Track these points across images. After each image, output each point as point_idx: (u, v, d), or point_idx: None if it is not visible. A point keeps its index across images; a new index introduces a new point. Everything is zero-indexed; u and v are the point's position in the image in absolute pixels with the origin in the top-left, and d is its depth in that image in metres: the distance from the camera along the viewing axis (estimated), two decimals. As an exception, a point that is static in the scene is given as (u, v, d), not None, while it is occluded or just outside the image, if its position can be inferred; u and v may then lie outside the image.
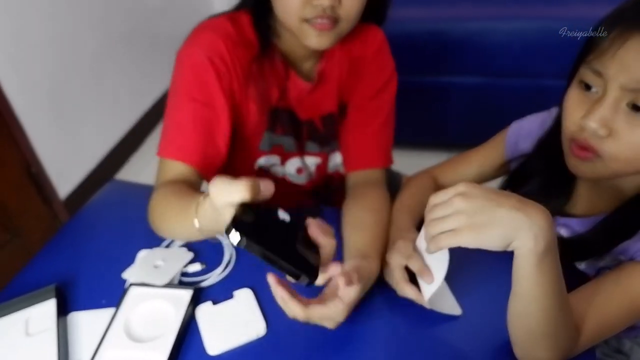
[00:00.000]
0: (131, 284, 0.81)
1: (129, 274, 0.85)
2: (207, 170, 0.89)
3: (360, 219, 0.88)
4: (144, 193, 1.04)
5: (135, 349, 0.72)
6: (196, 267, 0.86)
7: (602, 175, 0.70)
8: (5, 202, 1.79)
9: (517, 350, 0.69)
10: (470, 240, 0.57)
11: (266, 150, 0.98)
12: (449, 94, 2.06)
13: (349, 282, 0.68)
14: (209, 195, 0.61)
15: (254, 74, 0.90)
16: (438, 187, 0.99)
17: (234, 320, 0.76)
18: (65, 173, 2.06)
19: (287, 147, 1.00)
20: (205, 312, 0.78)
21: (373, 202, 0.92)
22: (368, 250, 0.80)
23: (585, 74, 0.67)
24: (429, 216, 0.61)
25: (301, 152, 1.01)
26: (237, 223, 0.54)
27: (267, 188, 0.58)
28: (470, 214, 0.57)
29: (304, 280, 0.58)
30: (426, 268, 0.74)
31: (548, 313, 0.62)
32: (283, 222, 0.61)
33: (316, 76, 0.95)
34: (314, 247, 0.64)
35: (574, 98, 0.69)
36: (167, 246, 0.90)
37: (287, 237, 0.61)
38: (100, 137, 2.27)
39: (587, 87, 0.67)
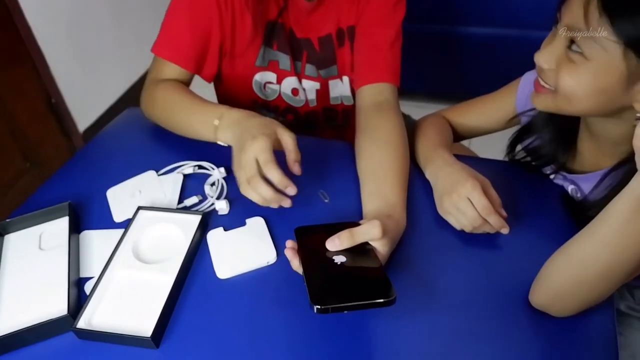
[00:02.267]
0: (139, 207, 0.81)
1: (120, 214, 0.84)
2: (198, 69, 0.97)
3: (377, 160, 0.84)
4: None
5: (143, 269, 0.72)
6: (193, 200, 0.85)
7: (561, 110, 0.73)
8: (26, 131, 1.81)
9: (542, 297, 0.67)
10: None
11: (262, 67, 0.99)
12: (467, 45, 2.03)
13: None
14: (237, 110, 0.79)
15: None
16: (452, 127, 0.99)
17: (245, 247, 0.76)
18: (85, 107, 2.07)
19: (282, 65, 1.00)
20: (216, 238, 0.78)
21: (384, 135, 0.88)
22: (390, 202, 0.77)
23: (556, 16, 0.70)
24: None
25: (298, 73, 1.01)
26: (314, 298, 0.58)
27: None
28: None
29: (389, 303, 0.58)
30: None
31: (611, 272, 0.59)
32: (341, 264, 0.64)
33: None
34: (368, 257, 0.66)
35: (546, 40, 0.72)
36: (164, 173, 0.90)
37: (351, 274, 0.63)
38: (120, 74, 2.27)
39: (555, 29, 0.71)
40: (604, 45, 0.63)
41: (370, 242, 0.67)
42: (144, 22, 2.25)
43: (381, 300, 0.58)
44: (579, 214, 0.79)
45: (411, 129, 0.98)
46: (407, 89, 2.09)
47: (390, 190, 0.79)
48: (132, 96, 2.31)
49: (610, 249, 0.58)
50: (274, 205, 0.73)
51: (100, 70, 2.13)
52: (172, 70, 0.95)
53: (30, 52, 1.77)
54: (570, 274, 0.63)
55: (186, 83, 0.97)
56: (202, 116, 0.84)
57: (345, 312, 0.58)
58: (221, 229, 0.80)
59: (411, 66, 2.09)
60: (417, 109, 1.36)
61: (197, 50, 0.94)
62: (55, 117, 1.93)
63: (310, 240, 0.68)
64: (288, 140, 0.75)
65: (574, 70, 0.67)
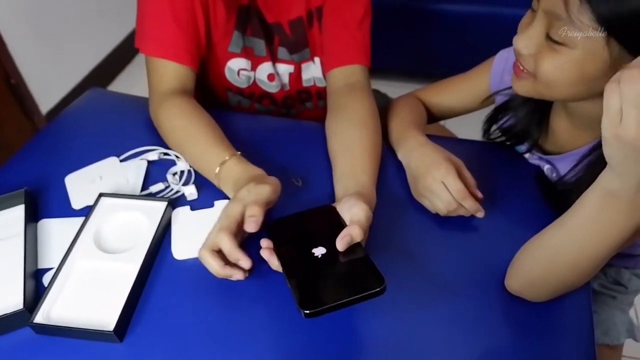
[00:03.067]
0: (101, 194, 0.77)
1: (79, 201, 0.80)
2: (197, 64, 0.90)
3: (347, 139, 0.83)
4: (124, 101, 1.02)
5: (105, 259, 0.69)
6: (159, 186, 0.81)
7: (541, 95, 0.71)
8: (-16, 113, 1.73)
9: (516, 284, 0.67)
10: None
11: (236, 53, 0.95)
12: (442, 22, 2.02)
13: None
14: (238, 160, 0.75)
15: None
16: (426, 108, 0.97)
17: (206, 231, 0.72)
18: (48, 87, 2.00)
19: (258, 51, 0.96)
20: (181, 216, 0.76)
21: (355, 115, 0.86)
22: (361, 181, 0.75)
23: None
24: None
25: (272, 58, 0.98)
26: (302, 303, 0.55)
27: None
28: None
29: (381, 292, 0.55)
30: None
31: (581, 264, 0.60)
32: (322, 257, 0.61)
33: None
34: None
35: (524, 18, 0.70)
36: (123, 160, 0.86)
37: (336, 268, 0.60)
38: (86, 51, 2.19)
39: (533, 10, 0.68)
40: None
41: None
42: (105, 1, 2.17)
43: (373, 291, 0.55)
44: (553, 195, 0.79)
45: (387, 106, 0.96)
46: (381, 67, 2.08)
47: (360, 168, 0.77)
48: (99, 75, 2.24)
49: (577, 243, 0.58)
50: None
51: (64, 48, 2.05)
52: (172, 70, 0.88)
53: (-15, 29, 1.69)
54: (541, 263, 0.63)
55: (190, 83, 0.90)
56: (206, 163, 0.78)
57: (337, 310, 0.55)
58: (188, 207, 0.77)
59: (386, 44, 2.08)
60: (392, 88, 1.34)
61: (191, 42, 0.88)
62: (16, 98, 1.85)
63: (286, 234, 0.66)
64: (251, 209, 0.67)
65: (555, 57, 0.64)
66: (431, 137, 0.84)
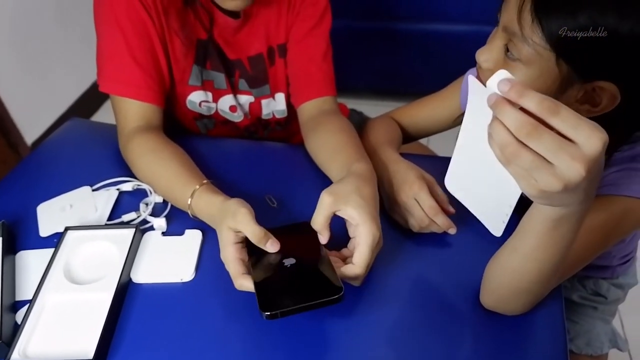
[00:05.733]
0: (67, 228, 0.78)
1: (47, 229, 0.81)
2: (161, 100, 0.91)
3: (331, 143, 0.86)
4: (103, 131, 1.03)
5: (77, 291, 0.70)
6: (132, 215, 0.82)
7: None
8: (-32, 145, 1.74)
9: (489, 301, 0.68)
10: None
11: (197, 86, 0.97)
12: (412, 41, 2.06)
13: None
14: (206, 189, 0.76)
15: (176, 5, 0.89)
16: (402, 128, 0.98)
17: (169, 258, 0.75)
18: (32, 117, 2.00)
19: (218, 84, 0.98)
20: (151, 240, 0.78)
21: (335, 125, 0.90)
22: (357, 166, 0.77)
23: (498, 15, 0.68)
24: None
25: (233, 90, 1.00)
26: (263, 305, 0.60)
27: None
28: None
29: (338, 300, 0.60)
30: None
31: (544, 277, 0.60)
32: (291, 267, 0.65)
33: (242, 14, 0.93)
34: (318, 257, 0.67)
35: (490, 36, 0.70)
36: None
37: (301, 276, 0.65)
38: (70, 81, 2.20)
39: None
40: (537, 50, 0.60)
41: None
42: (91, 29, 2.18)
43: (329, 299, 0.59)
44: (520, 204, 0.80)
45: (363, 124, 0.98)
46: (355, 87, 2.12)
47: (355, 159, 0.79)
48: (83, 105, 2.25)
49: (536, 261, 0.59)
50: None
51: (48, 78, 2.06)
52: (136, 108, 0.88)
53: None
54: (506, 283, 0.64)
55: (156, 119, 0.90)
56: (177, 195, 0.80)
57: (296, 314, 0.59)
58: (159, 232, 0.79)
59: (359, 64, 2.12)
60: (366, 107, 1.36)
61: (152, 79, 0.89)
62: (0, 130, 1.86)
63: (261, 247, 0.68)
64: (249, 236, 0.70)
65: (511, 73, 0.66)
66: (405, 155, 0.85)
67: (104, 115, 2.31)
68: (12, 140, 1.91)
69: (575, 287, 0.99)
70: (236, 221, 0.68)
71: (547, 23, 0.58)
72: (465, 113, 0.55)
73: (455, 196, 0.65)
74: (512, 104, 0.44)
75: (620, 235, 0.72)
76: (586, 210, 0.52)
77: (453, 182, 0.64)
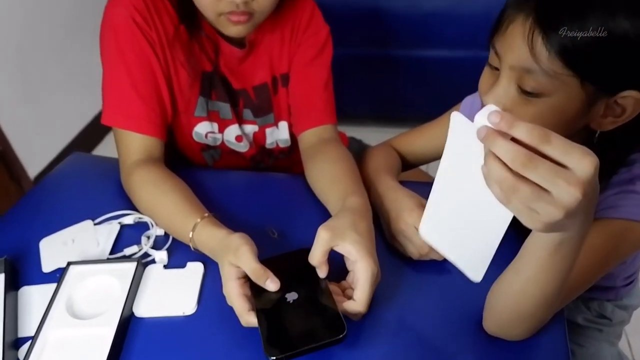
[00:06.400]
0: (69, 263, 0.78)
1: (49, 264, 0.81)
2: (162, 133, 0.93)
3: (330, 172, 0.88)
4: (105, 166, 1.04)
5: (80, 326, 0.70)
6: (134, 249, 0.83)
7: None
8: (-27, 180, 1.76)
9: (492, 326, 0.68)
10: None
11: (203, 117, 0.98)
12: (411, 67, 2.09)
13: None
14: (208, 222, 0.77)
15: (182, 38, 0.91)
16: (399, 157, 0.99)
17: (171, 291, 0.75)
18: (35, 151, 2.02)
19: (224, 115, 0.99)
20: (153, 274, 0.78)
21: (334, 155, 0.92)
22: (352, 201, 0.78)
23: (490, 54, 0.68)
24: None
25: (238, 120, 1.02)
26: (268, 348, 0.61)
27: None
28: None
29: (341, 340, 0.61)
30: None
31: (547, 300, 0.60)
32: (293, 302, 0.66)
33: (247, 43, 0.95)
34: (320, 290, 0.68)
35: (484, 76, 0.71)
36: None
37: (305, 314, 0.66)
38: (72, 115, 2.23)
39: (492, 66, 0.69)
40: (561, 79, 0.61)
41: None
42: (92, 62, 2.22)
43: (333, 339, 0.61)
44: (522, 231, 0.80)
45: (362, 152, 0.99)
46: (355, 113, 2.14)
47: (351, 191, 0.80)
48: (85, 139, 2.27)
49: (539, 284, 0.59)
50: None
51: (50, 113, 2.09)
52: (138, 141, 0.90)
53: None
54: (509, 307, 0.64)
55: (157, 151, 0.92)
56: (178, 229, 0.81)
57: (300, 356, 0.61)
58: (161, 265, 0.79)
59: (359, 91, 2.15)
60: (365, 133, 1.38)
61: (154, 112, 0.90)
62: (3, 164, 1.88)
63: None
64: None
65: (532, 108, 0.64)
66: (404, 182, 0.86)
67: (105, 148, 2.33)
68: (15, 174, 1.92)
69: (580, 309, 0.99)
70: (237, 257, 0.68)
71: (564, 49, 0.58)
72: (444, 156, 0.55)
73: (430, 244, 0.65)
74: (503, 136, 0.45)
75: (620, 257, 0.72)
76: (586, 232, 0.53)
77: (428, 228, 0.63)
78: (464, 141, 0.49)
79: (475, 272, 0.59)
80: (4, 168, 1.88)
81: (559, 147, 0.43)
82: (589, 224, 0.52)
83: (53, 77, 2.08)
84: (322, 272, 0.69)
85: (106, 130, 2.38)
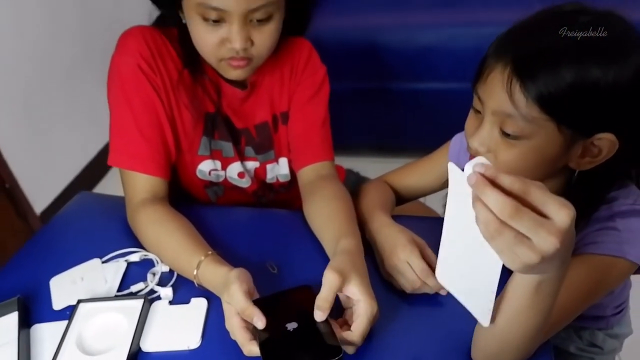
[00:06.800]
0: (79, 301, 0.82)
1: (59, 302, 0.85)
2: (167, 173, 0.98)
3: (326, 210, 0.92)
4: (113, 205, 1.07)
5: (91, 362, 0.74)
6: (140, 286, 0.86)
7: None
8: (-20, 218, 1.79)
9: (479, 357, 0.71)
10: None
11: (206, 155, 1.02)
12: (408, 100, 2.15)
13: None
14: (211, 260, 0.81)
15: (185, 81, 0.96)
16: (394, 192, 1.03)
17: (176, 326, 0.79)
18: (41, 188, 2.06)
19: (226, 153, 1.04)
20: (159, 310, 0.82)
21: (330, 192, 0.96)
22: (346, 242, 0.82)
23: (474, 99, 0.73)
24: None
25: (240, 157, 1.06)
26: None
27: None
28: None
29: None
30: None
31: (529, 333, 0.63)
32: (293, 330, 0.71)
33: (248, 84, 1.00)
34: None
35: (469, 120, 0.76)
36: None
37: (304, 339, 0.70)
38: (76, 152, 2.28)
39: (476, 110, 0.74)
40: (538, 124, 0.66)
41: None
42: (96, 100, 2.28)
43: None
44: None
45: (359, 184, 1.04)
46: (354, 144, 2.19)
47: (345, 233, 0.85)
48: (89, 174, 2.32)
49: (521, 322, 0.61)
50: None
51: (55, 153, 2.14)
52: (143, 181, 0.94)
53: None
54: (494, 341, 0.67)
55: (162, 190, 0.96)
56: (183, 266, 0.85)
57: None
58: (167, 302, 0.83)
59: (357, 123, 2.20)
60: (363, 164, 1.43)
61: (158, 154, 0.95)
62: (10, 201, 1.91)
63: (264, 311, 0.72)
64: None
65: (514, 150, 0.69)
66: (399, 217, 0.90)
67: (107, 183, 2.38)
68: (22, 210, 1.96)
69: (572, 338, 1.01)
70: (229, 295, 0.73)
71: (540, 96, 0.64)
72: (447, 203, 0.57)
73: (447, 289, 0.66)
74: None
75: (603, 291, 0.75)
76: (564, 274, 0.56)
77: (444, 273, 0.64)
78: (460, 189, 0.51)
79: (483, 316, 0.60)
80: (11, 205, 1.92)
81: (538, 199, 0.47)
82: (566, 267, 0.55)
83: (58, 113, 2.14)
84: (324, 315, 0.71)
85: (107, 167, 2.43)
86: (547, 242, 0.47)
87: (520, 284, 0.57)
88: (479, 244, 0.51)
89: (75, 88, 2.23)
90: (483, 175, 0.47)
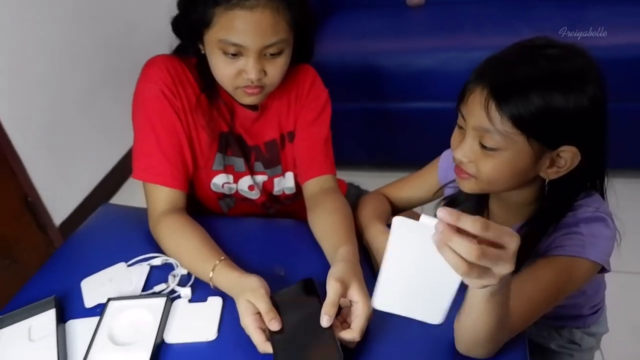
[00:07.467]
0: (109, 299, 0.92)
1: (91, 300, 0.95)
2: (185, 186, 1.08)
3: (327, 222, 1.02)
4: (133, 215, 1.18)
5: (119, 351, 0.83)
6: (162, 286, 0.96)
7: (484, 190, 0.88)
8: (4, 231, 1.89)
9: (461, 348, 0.81)
10: None
11: (220, 170, 1.14)
12: (403, 118, 2.26)
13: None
14: (225, 265, 0.91)
15: (202, 104, 1.07)
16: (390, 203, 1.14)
17: (195, 320, 0.89)
18: (60, 201, 2.16)
19: (238, 168, 1.15)
20: (179, 307, 0.92)
21: (332, 205, 1.06)
22: (345, 250, 0.92)
23: (459, 117, 0.84)
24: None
25: (251, 171, 1.17)
26: None
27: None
28: None
29: None
30: None
31: (493, 329, 0.73)
32: (301, 332, 0.81)
33: (259, 107, 1.11)
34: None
35: (454, 135, 0.86)
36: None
37: (310, 343, 0.80)
38: (93, 166, 2.38)
39: (460, 127, 0.85)
40: (511, 137, 0.77)
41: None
42: (114, 115, 2.40)
43: None
44: None
45: (359, 197, 1.15)
46: (353, 160, 2.30)
47: (344, 241, 0.95)
48: (105, 188, 2.42)
49: (484, 322, 0.71)
50: None
51: (74, 167, 2.24)
52: (164, 194, 1.04)
53: (7, 156, 1.89)
54: (468, 335, 0.77)
55: (181, 202, 1.06)
56: (200, 269, 0.95)
57: None
58: (186, 300, 0.93)
59: (356, 140, 2.31)
60: (362, 178, 1.53)
61: (177, 169, 1.05)
62: (32, 214, 2.01)
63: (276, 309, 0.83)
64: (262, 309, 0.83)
65: (491, 161, 0.80)
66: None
67: (122, 195, 2.48)
68: (42, 222, 2.05)
69: (553, 336, 1.10)
70: (255, 297, 0.83)
71: (512, 115, 0.75)
72: (387, 248, 0.61)
73: (386, 310, 0.70)
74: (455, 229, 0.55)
75: (569, 290, 0.85)
76: (509, 284, 0.66)
77: (381, 301, 0.68)
78: (404, 236, 0.59)
79: (435, 317, 0.67)
80: (32, 218, 2.02)
81: (495, 232, 0.57)
82: (510, 280, 0.65)
83: (77, 131, 2.24)
84: (330, 320, 0.80)
85: (123, 180, 2.55)
86: (504, 268, 0.58)
87: (478, 294, 0.66)
88: (431, 273, 0.61)
89: (94, 106, 2.34)
90: (448, 220, 0.55)
